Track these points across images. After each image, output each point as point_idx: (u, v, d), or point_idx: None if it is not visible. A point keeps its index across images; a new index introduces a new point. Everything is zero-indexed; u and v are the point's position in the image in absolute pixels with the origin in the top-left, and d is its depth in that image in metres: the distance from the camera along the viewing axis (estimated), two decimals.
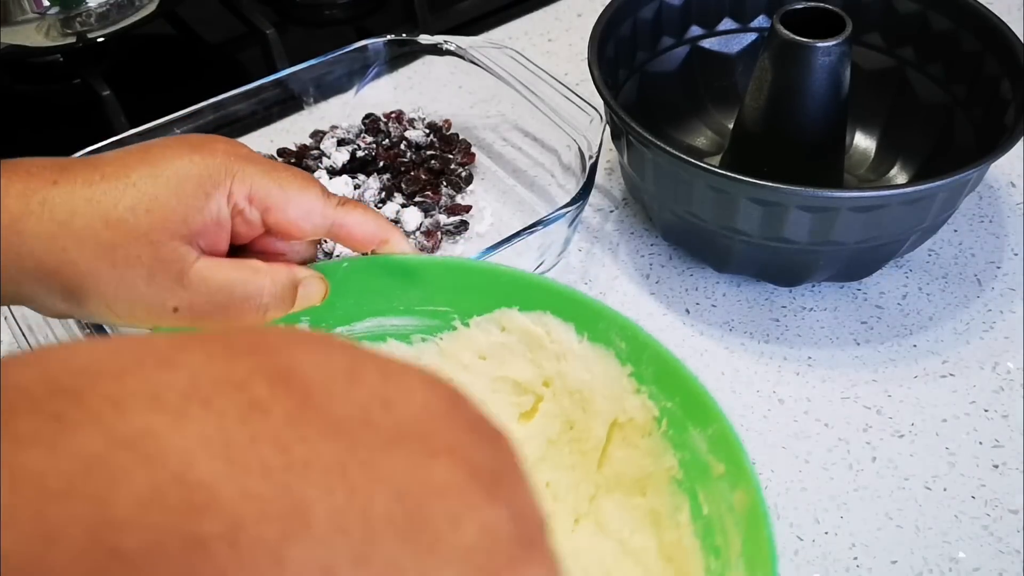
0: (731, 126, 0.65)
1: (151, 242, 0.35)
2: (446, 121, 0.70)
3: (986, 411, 0.53)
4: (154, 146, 0.37)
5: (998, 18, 0.59)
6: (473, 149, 0.69)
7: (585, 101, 0.61)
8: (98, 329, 0.50)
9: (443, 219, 0.63)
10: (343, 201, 0.40)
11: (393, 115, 0.70)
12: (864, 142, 0.67)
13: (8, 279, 0.34)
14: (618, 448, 0.42)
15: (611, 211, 0.65)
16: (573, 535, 0.43)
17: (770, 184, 0.50)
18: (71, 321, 0.50)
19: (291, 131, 0.70)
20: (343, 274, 0.42)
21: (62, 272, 0.34)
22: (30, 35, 0.69)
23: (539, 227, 0.54)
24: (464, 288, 0.43)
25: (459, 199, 0.65)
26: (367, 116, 0.70)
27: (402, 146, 0.68)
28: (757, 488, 0.35)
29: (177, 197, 0.36)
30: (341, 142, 0.67)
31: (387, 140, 0.68)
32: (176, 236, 0.35)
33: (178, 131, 0.64)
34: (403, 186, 0.65)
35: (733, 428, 0.36)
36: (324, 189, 0.40)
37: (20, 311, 0.51)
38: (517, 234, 0.54)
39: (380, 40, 0.69)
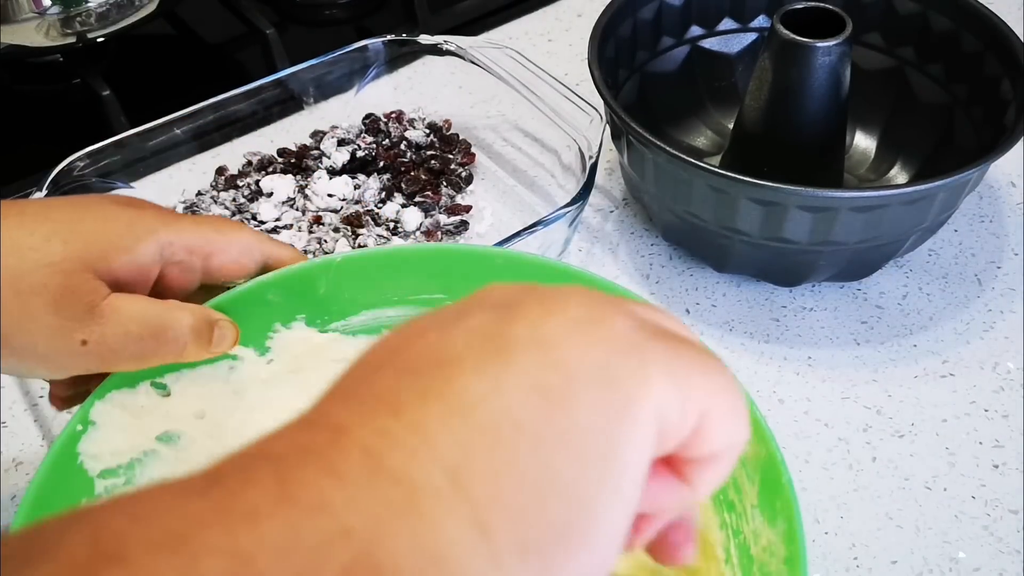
0: (731, 126, 0.65)
1: (62, 271, 0.34)
2: (446, 121, 0.70)
3: (986, 411, 0.53)
4: (82, 196, 0.37)
5: (998, 18, 0.59)
6: (473, 149, 0.69)
7: (585, 101, 0.61)
8: None
9: (443, 219, 0.63)
10: (269, 237, 0.41)
11: (393, 115, 0.70)
12: (864, 142, 0.67)
13: None
14: None
15: (611, 211, 0.65)
16: None
17: (770, 184, 0.50)
18: None
19: (291, 131, 0.70)
20: (336, 269, 0.42)
21: None
22: (30, 35, 0.69)
23: (539, 227, 0.54)
24: (457, 273, 0.43)
25: (459, 199, 0.65)
26: (367, 116, 0.70)
27: (402, 146, 0.68)
28: (771, 439, 0.34)
29: (100, 234, 0.35)
30: (341, 142, 0.67)
31: (387, 140, 0.68)
32: (91, 269, 0.34)
33: (178, 131, 0.64)
34: (403, 186, 0.65)
35: (744, 391, 0.36)
36: (251, 228, 0.41)
37: None
38: (517, 234, 0.54)
39: (380, 40, 0.69)
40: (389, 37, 0.69)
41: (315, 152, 0.67)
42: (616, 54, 0.62)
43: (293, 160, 0.67)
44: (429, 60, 0.70)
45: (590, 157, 0.58)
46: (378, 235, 0.62)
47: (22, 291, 0.33)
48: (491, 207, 0.65)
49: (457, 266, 0.43)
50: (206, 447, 0.41)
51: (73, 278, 0.34)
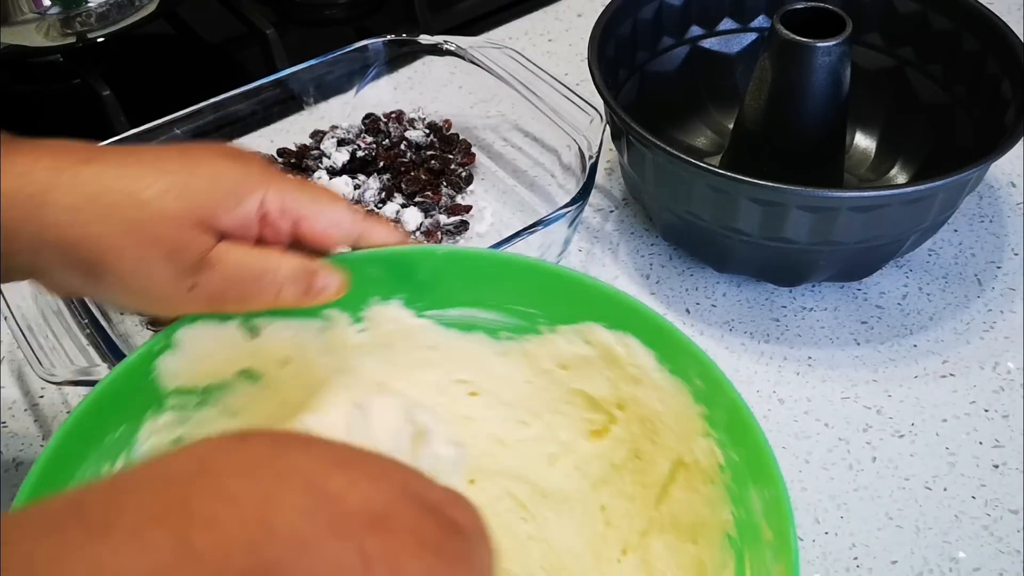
0: (731, 126, 0.65)
1: (177, 225, 0.36)
2: (446, 121, 0.70)
3: (986, 411, 0.53)
4: (193, 147, 0.39)
5: (998, 18, 0.59)
6: (473, 149, 0.69)
7: (585, 101, 0.61)
8: (95, 326, 0.50)
9: (443, 219, 0.63)
10: (368, 215, 0.42)
11: (393, 115, 0.70)
12: (864, 142, 0.67)
13: (27, 249, 0.35)
14: (680, 489, 0.42)
15: (611, 211, 0.65)
16: (618, 565, 0.43)
17: (770, 184, 0.50)
18: (73, 324, 0.50)
19: (291, 131, 0.70)
20: (440, 259, 0.43)
21: (83, 246, 0.35)
22: (30, 35, 0.69)
23: (539, 227, 0.54)
24: (553, 294, 0.43)
25: (459, 199, 0.65)
26: (367, 116, 0.70)
27: (402, 146, 0.68)
28: (796, 565, 0.34)
29: (209, 192, 0.37)
30: (341, 142, 0.67)
31: (387, 140, 0.68)
32: (201, 224, 0.36)
33: (178, 131, 0.64)
34: (403, 186, 0.65)
35: (788, 495, 0.36)
36: (350, 203, 0.42)
37: (19, 311, 0.51)
38: (517, 234, 0.54)
39: (380, 40, 0.69)
40: (389, 37, 0.69)
41: (315, 152, 0.67)
42: (616, 54, 0.62)
43: (293, 160, 0.67)
44: (429, 60, 0.70)
45: (590, 157, 0.58)
46: None
47: (141, 241, 0.35)
48: (491, 207, 0.65)
49: (554, 287, 0.43)
50: (282, 393, 0.43)
51: (186, 233, 0.36)
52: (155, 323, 0.44)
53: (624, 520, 0.44)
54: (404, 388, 0.45)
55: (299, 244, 0.40)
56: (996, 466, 0.50)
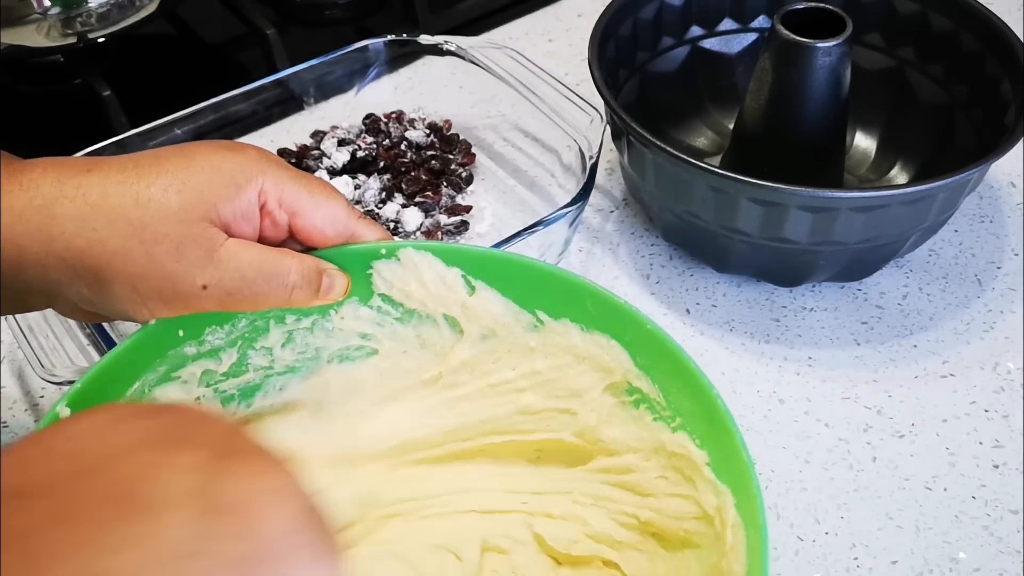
0: (731, 126, 0.65)
1: (181, 220, 0.36)
2: (446, 121, 0.70)
3: (986, 411, 0.53)
4: (189, 144, 0.39)
5: (998, 18, 0.59)
6: (473, 149, 0.69)
7: (585, 101, 0.61)
8: (95, 325, 0.50)
9: (443, 219, 0.63)
10: (362, 216, 0.42)
11: (393, 115, 0.70)
12: (864, 142, 0.67)
13: (36, 264, 0.35)
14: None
15: (611, 211, 0.65)
16: None
17: (770, 184, 0.50)
18: (73, 324, 0.51)
19: (291, 131, 0.70)
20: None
21: (90, 252, 0.35)
22: (31, 35, 0.69)
23: (539, 227, 0.54)
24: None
25: (459, 199, 0.65)
26: (367, 116, 0.70)
27: (402, 146, 0.68)
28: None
29: (208, 184, 0.37)
30: (341, 142, 0.67)
31: (387, 140, 0.68)
32: (205, 218, 0.37)
33: (178, 131, 0.64)
34: (403, 186, 0.65)
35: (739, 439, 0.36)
36: (348, 201, 0.42)
37: None
38: (517, 234, 0.54)
39: (380, 40, 0.69)
40: (389, 37, 0.69)
41: (315, 152, 0.67)
42: (616, 54, 0.62)
43: (293, 160, 0.67)
44: (429, 60, 0.70)
45: (590, 157, 0.58)
46: None
47: (146, 240, 0.36)
48: (491, 207, 0.65)
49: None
50: None
51: (192, 227, 0.36)
52: None
53: None
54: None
55: (293, 238, 0.41)
56: (996, 466, 0.50)
